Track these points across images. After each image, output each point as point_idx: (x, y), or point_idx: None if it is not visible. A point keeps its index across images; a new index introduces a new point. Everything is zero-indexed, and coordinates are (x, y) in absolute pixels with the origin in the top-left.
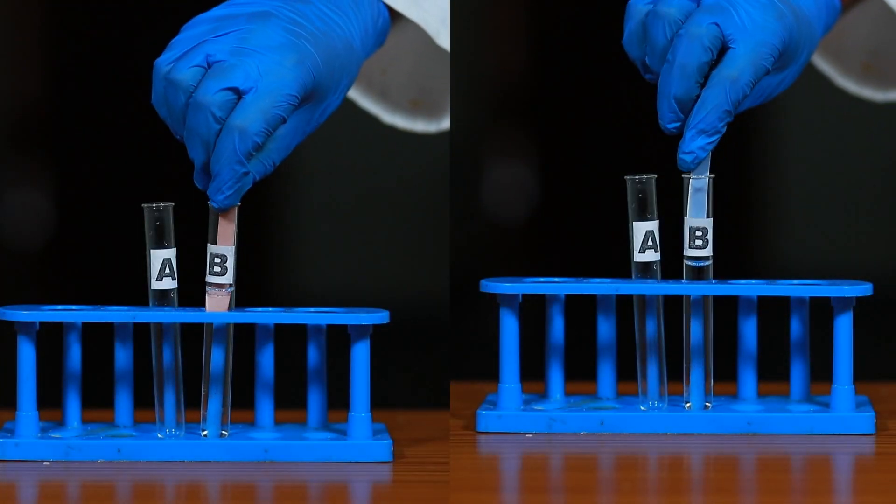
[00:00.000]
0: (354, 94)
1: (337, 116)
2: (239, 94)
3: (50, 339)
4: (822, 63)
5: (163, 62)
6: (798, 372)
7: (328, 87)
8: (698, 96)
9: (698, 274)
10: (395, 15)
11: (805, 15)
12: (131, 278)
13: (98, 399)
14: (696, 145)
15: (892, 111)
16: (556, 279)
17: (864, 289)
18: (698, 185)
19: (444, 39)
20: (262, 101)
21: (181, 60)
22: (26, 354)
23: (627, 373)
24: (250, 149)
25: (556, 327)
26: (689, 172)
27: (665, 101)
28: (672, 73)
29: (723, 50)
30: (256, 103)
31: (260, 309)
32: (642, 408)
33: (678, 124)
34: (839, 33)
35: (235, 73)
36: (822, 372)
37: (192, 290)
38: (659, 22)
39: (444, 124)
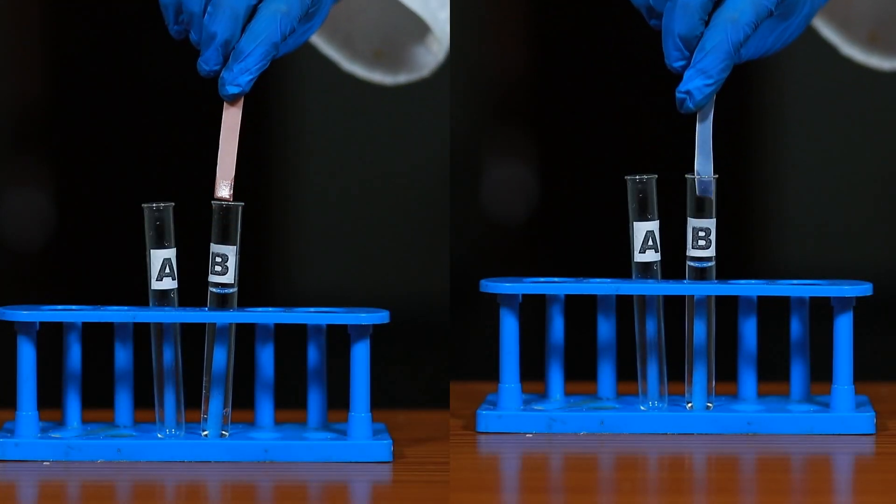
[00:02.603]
0: (317, 39)
1: (298, 59)
2: None
3: (50, 339)
4: (827, 31)
5: None
6: (798, 372)
7: None
8: (703, 34)
9: (701, 275)
10: None
11: None
12: (131, 278)
13: (98, 399)
14: (694, 85)
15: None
16: (556, 279)
17: (864, 289)
18: (703, 132)
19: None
20: None
21: None
22: (26, 354)
23: (627, 373)
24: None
25: (556, 327)
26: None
27: (670, 39)
28: (675, 11)
29: None
30: None
31: (260, 309)
32: (642, 408)
33: (684, 62)
34: (846, 2)
35: None
36: (822, 372)
37: (192, 290)
38: None
39: (402, 78)
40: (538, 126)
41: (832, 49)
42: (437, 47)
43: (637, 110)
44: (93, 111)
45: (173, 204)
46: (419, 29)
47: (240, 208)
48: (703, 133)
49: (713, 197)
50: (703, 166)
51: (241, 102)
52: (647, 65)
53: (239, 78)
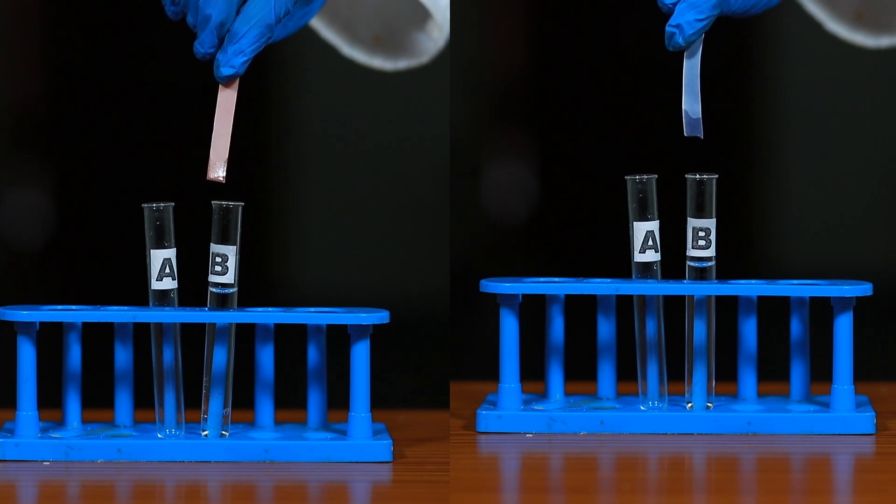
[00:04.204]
0: (317, 23)
1: (297, 44)
2: None
3: (50, 339)
4: (815, 8)
5: None
6: (798, 372)
7: None
8: None
9: (701, 275)
10: None
11: None
12: (131, 278)
13: (98, 399)
14: (685, 19)
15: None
16: (556, 279)
17: (864, 289)
18: (690, 69)
19: None
20: None
21: None
22: (26, 354)
23: (627, 373)
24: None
25: (556, 327)
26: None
27: None
28: None
29: None
30: None
31: (260, 309)
32: (642, 408)
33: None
34: None
35: None
36: (822, 372)
37: (192, 290)
38: None
39: (402, 64)
40: (538, 126)
41: (818, 25)
42: (437, 33)
43: (637, 110)
44: (93, 111)
45: (173, 204)
46: (420, 14)
47: (240, 208)
48: (691, 71)
49: (702, 136)
50: (691, 105)
51: (235, 84)
52: (647, 65)
53: (233, 59)
